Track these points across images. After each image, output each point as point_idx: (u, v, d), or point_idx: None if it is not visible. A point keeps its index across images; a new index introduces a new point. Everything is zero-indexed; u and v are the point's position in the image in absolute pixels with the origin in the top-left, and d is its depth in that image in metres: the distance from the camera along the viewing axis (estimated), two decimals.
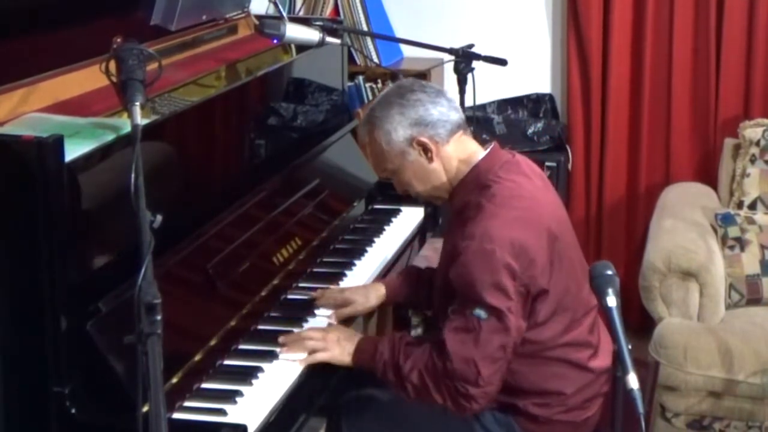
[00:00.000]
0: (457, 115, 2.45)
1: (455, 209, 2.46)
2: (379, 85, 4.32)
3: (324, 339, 2.40)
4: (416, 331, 3.73)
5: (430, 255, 3.15)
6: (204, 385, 2.21)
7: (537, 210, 2.39)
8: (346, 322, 2.62)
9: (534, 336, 2.38)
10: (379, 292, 2.70)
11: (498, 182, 2.39)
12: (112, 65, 2.10)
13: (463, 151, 2.46)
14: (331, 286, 2.70)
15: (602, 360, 2.49)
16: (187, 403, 2.14)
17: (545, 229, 2.36)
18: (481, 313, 2.27)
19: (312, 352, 2.37)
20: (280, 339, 2.39)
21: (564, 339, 2.43)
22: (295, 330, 2.46)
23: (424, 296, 2.73)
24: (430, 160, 2.43)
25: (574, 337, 2.45)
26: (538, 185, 2.47)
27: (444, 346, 2.30)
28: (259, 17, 3.27)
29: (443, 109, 2.43)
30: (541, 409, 2.44)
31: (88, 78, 2.41)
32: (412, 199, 3.32)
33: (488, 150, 2.47)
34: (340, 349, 2.40)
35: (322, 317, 2.56)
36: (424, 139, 2.40)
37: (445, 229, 2.56)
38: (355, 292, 2.67)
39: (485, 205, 2.34)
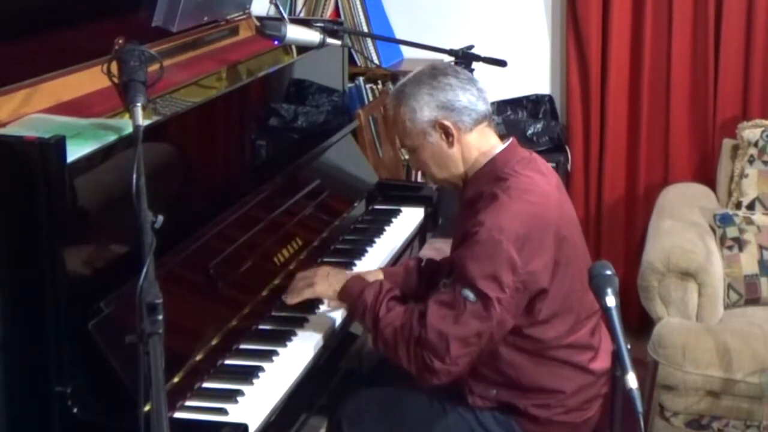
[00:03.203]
0: (484, 106, 2.46)
1: (468, 198, 2.47)
2: (380, 86, 4.33)
3: (314, 275, 2.51)
4: None
5: (430, 255, 3.15)
6: (205, 385, 2.22)
7: (549, 208, 2.40)
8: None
9: (538, 334, 2.40)
10: (377, 279, 2.71)
11: (514, 176, 2.40)
12: (114, 66, 2.11)
13: (485, 142, 2.47)
14: (333, 270, 2.73)
15: (602, 362, 2.49)
16: (188, 403, 2.14)
17: (554, 228, 2.37)
18: (469, 294, 2.28)
19: (300, 289, 2.49)
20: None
21: (567, 340, 2.44)
22: (296, 330, 2.47)
23: (423, 287, 2.74)
24: (450, 144, 2.44)
25: (576, 339, 2.46)
26: (552, 184, 2.49)
27: (425, 314, 2.32)
28: (260, 18, 3.28)
29: (472, 97, 2.43)
30: (541, 410, 2.45)
31: (90, 79, 2.42)
32: (412, 200, 3.35)
33: (507, 144, 2.48)
34: (327, 284, 2.50)
35: (323, 315, 2.57)
36: (447, 123, 2.42)
37: (455, 220, 2.58)
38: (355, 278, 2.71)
39: (500, 195, 2.35)
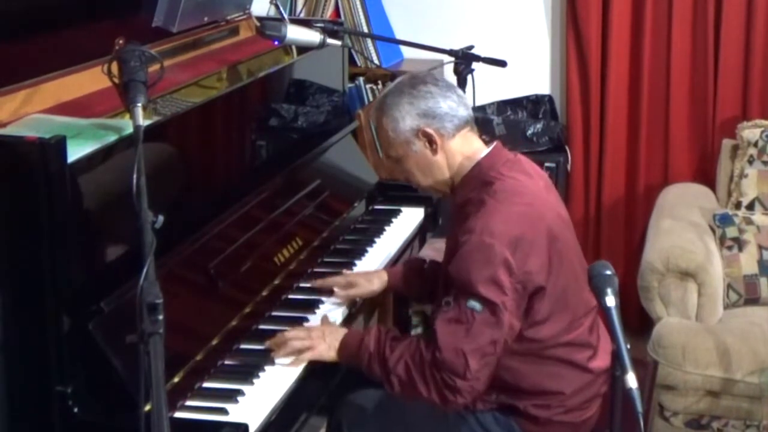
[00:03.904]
0: (465, 112, 2.47)
1: (457, 205, 2.48)
2: (380, 87, 4.33)
3: (308, 337, 2.40)
4: (416, 330, 3.74)
5: (430, 255, 3.16)
6: (205, 385, 2.22)
7: (537, 208, 2.40)
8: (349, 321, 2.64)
9: (534, 334, 2.40)
10: (382, 278, 2.75)
11: (500, 179, 2.41)
12: (115, 67, 2.11)
13: (468, 147, 2.47)
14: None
15: (601, 360, 2.50)
16: (188, 402, 2.15)
17: (545, 228, 2.38)
18: (476, 305, 2.28)
19: (298, 351, 2.37)
20: (267, 343, 2.39)
21: (564, 339, 2.44)
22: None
23: (426, 288, 2.75)
24: (435, 152, 2.44)
25: (574, 337, 2.46)
26: (539, 185, 2.49)
27: (434, 336, 2.30)
28: (260, 19, 3.28)
29: (452, 103, 2.44)
30: (540, 410, 2.45)
31: (91, 79, 2.42)
32: (412, 200, 3.36)
33: (491, 148, 2.49)
34: (325, 345, 2.40)
35: (324, 315, 2.57)
36: (430, 131, 2.42)
37: (447, 227, 2.58)
38: (359, 275, 2.75)
39: (487, 200, 2.36)
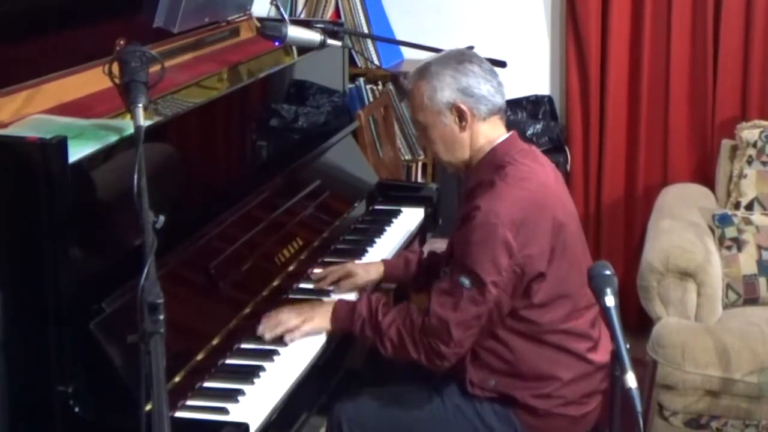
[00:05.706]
0: (501, 100, 2.52)
1: (469, 187, 2.52)
2: (380, 87, 4.34)
3: (300, 313, 2.47)
4: None
5: None
6: (206, 384, 2.23)
7: (545, 195, 2.45)
8: None
9: (531, 316, 2.44)
10: (379, 269, 2.83)
11: (513, 164, 2.46)
12: (116, 67, 2.11)
13: (493, 133, 2.52)
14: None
15: (601, 355, 2.51)
16: (189, 402, 2.16)
17: (551, 215, 2.42)
18: (465, 281, 2.35)
19: (294, 328, 2.43)
20: (260, 329, 2.43)
21: (564, 326, 2.47)
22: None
23: (422, 278, 2.81)
24: (462, 129, 2.49)
25: (574, 326, 2.49)
26: (550, 175, 2.54)
27: (429, 301, 2.40)
28: (260, 19, 3.29)
29: (491, 89, 2.49)
30: (539, 400, 2.47)
31: (92, 80, 2.43)
32: (412, 200, 3.36)
33: (508, 135, 2.53)
34: (318, 317, 2.48)
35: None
36: (464, 108, 2.46)
37: (456, 214, 2.61)
38: (357, 266, 2.80)
39: (497, 182, 2.41)
